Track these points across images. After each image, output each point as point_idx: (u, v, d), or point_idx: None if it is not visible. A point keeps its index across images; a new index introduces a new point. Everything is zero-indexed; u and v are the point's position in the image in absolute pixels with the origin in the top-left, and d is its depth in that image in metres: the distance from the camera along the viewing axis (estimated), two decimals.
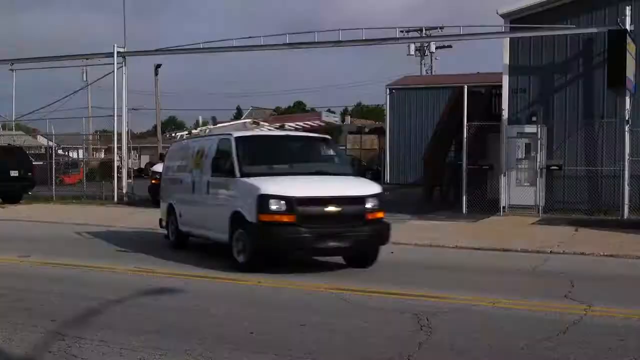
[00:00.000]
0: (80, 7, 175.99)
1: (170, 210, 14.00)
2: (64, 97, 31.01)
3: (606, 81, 18.12)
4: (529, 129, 20.03)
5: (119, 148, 26.11)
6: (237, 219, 10.75)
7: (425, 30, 35.62)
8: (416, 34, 36.75)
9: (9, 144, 27.49)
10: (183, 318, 7.75)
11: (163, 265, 11.60)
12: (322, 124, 14.23)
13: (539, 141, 19.76)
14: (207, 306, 8.34)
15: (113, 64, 25.83)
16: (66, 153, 45.55)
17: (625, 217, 18.11)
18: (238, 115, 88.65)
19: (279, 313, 7.98)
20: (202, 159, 12.60)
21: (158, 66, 37.30)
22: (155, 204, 22.11)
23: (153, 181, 22.53)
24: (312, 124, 13.71)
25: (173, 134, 16.13)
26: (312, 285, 9.64)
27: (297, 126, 12.93)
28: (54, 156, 28.69)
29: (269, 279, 10.10)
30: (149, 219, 19.03)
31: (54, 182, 27.23)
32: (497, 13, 20.60)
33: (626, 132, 18.44)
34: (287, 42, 23.46)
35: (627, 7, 18.39)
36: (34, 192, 26.09)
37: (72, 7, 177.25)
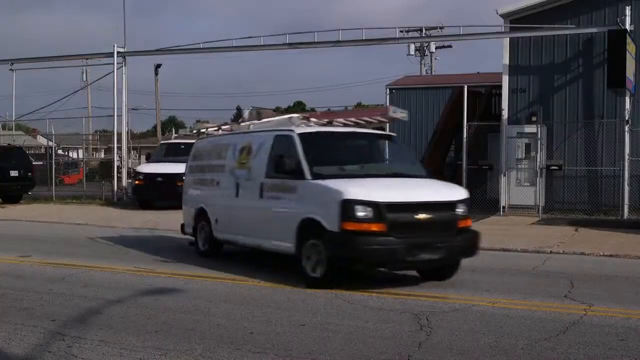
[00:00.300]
0: (80, 7, 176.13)
1: (200, 215, 12.53)
2: (64, 97, 31.18)
3: (606, 81, 18.15)
4: (529, 129, 20.06)
5: (119, 148, 26.11)
6: (309, 227, 9.44)
7: (425, 30, 35.60)
8: (416, 34, 36.74)
9: (8, 144, 27.47)
10: (183, 318, 7.75)
11: (167, 266, 11.60)
12: (384, 120, 12.70)
13: (538, 141, 19.78)
14: (207, 306, 8.34)
15: (113, 64, 25.84)
16: (66, 153, 45.59)
17: (625, 217, 18.12)
18: (238, 115, 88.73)
19: (279, 313, 7.98)
20: (249, 158, 11.21)
21: (158, 66, 37.37)
22: (141, 205, 21.98)
23: (137, 182, 22.17)
24: (373, 119, 12.32)
25: (194, 130, 14.43)
26: (312, 285, 9.62)
27: (347, 122, 11.79)
28: (53, 156, 28.68)
29: (269, 279, 10.10)
30: (151, 219, 19.04)
31: (53, 182, 27.22)
32: (497, 13, 20.63)
33: (626, 132, 18.45)
34: (287, 42, 23.50)
35: (627, 7, 18.43)
36: (33, 192, 26.09)
37: (72, 7, 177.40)
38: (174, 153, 23.16)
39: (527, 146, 20.12)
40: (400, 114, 11.85)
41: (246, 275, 10.45)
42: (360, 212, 8.88)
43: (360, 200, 8.91)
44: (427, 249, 9.12)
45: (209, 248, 12.34)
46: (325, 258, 9.16)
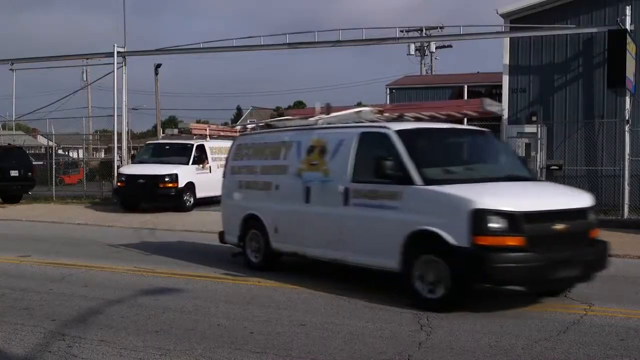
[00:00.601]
0: (80, 7, 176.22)
1: (250, 223, 11.07)
2: (64, 97, 31.17)
3: (606, 81, 18.13)
4: (529, 128, 20.04)
5: (119, 148, 26.08)
6: (422, 240, 8.14)
7: (425, 30, 35.54)
8: (416, 34, 36.70)
9: (9, 144, 27.46)
10: (183, 318, 7.75)
11: (164, 265, 11.60)
12: (475, 113, 11.18)
13: (539, 141, 19.76)
14: (207, 306, 8.35)
15: (113, 63, 25.81)
16: (66, 153, 45.59)
17: (626, 217, 18.10)
18: (238, 115, 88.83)
19: (279, 313, 7.98)
20: (324, 159, 9.76)
21: (158, 66, 37.30)
22: (125, 207, 21.68)
23: (119, 184, 21.64)
24: (469, 113, 10.85)
25: (236, 125, 13.19)
26: (312, 285, 9.64)
27: (420, 116, 10.51)
28: (54, 156, 28.67)
29: (269, 278, 10.10)
30: (149, 219, 19.05)
31: (54, 182, 27.22)
32: (497, 13, 20.63)
33: (626, 132, 18.43)
34: (287, 42, 23.46)
35: (627, 7, 18.42)
36: (34, 192, 26.08)
37: (71, 7, 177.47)
38: (158, 154, 22.81)
39: (527, 146, 20.10)
40: (497, 107, 10.38)
41: (246, 275, 10.45)
42: (495, 224, 7.65)
43: (495, 210, 7.67)
44: (566, 265, 7.91)
45: (262, 260, 10.88)
46: (449, 277, 7.85)
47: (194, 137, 22.54)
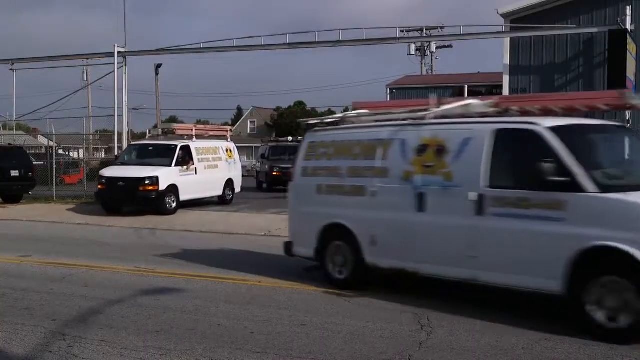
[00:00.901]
0: (81, 7, 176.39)
1: (335, 233, 9.55)
2: (65, 97, 31.11)
3: (606, 81, 18.13)
4: None
5: (120, 148, 26.06)
6: (600, 259, 6.94)
7: (426, 30, 35.49)
8: (416, 34, 36.65)
9: (9, 144, 27.45)
10: (184, 318, 7.75)
11: (165, 265, 11.60)
12: (604, 108, 9.63)
13: None
14: (207, 306, 8.35)
15: (113, 63, 25.83)
16: (67, 153, 45.57)
17: None
18: (238, 115, 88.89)
19: (280, 313, 7.98)
20: (444, 160, 8.34)
21: (159, 66, 37.33)
22: (107, 210, 21.19)
23: (99, 186, 20.86)
24: (608, 105, 9.23)
25: (311, 121, 11.03)
26: (313, 285, 9.64)
27: (532, 109, 8.89)
28: (54, 156, 28.64)
29: (270, 278, 10.10)
30: (149, 219, 19.05)
31: (54, 182, 27.21)
32: (497, 13, 20.65)
33: None
34: (288, 42, 23.50)
35: (628, 7, 18.45)
36: (34, 192, 26.07)
37: (72, 6, 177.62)
38: (141, 155, 21.93)
39: None
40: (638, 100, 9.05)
41: (247, 275, 10.45)
42: None
43: None
44: None
45: (350, 276, 9.40)
46: None
47: (185, 137, 22.23)
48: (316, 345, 6.64)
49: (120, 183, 20.14)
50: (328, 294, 9.04)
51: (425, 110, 8.99)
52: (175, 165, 20.76)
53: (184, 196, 20.82)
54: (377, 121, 9.74)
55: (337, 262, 9.56)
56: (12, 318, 7.71)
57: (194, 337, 6.89)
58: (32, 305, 8.39)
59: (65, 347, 6.56)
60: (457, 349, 6.51)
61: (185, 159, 21.24)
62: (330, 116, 10.55)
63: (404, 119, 9.19)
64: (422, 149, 8.62)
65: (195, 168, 21.53)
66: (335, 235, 9.56)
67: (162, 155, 21.16)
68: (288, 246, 10.47)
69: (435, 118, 8.80)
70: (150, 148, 22.29)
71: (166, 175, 20.27)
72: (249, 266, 11.27)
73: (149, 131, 29.76)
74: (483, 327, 7.25)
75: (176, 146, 21.20)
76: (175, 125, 25.44)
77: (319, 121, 10.80)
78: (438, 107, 8.99)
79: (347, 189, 9.51)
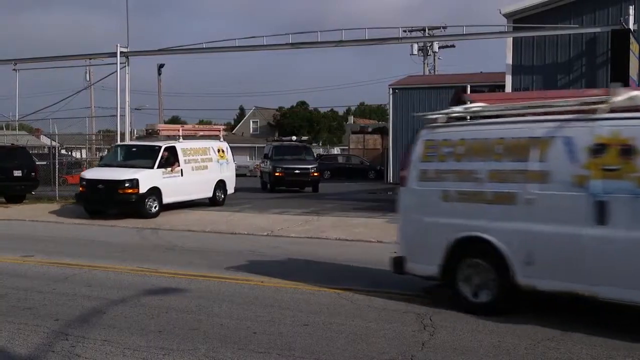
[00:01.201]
0: (83, 7, 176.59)
1: (472, 248, 8.10)
2: (67, 97, 31.15)
3: (609, 81, 18.09)
4: None
5: None
6: None
7: (428, 29, 35.62)
8: (419, 34, 36.79)
9: (12, 144, 27.48)
10: (186, 318, 7.76)
11: (167, 265, 11.61)
12: None
13: None
14: (210, 306, 8.35)
15: (116, 63, 25.86)
16: (69, 153, 45.61)
17: None
18: (241, 115, 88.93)
19: (282, 313, 7.98)
20: (633, 162, 6.92)
21: (161, 66, 37.43)
22: (89, 212, 20.72)
23: (81, 189, 20.17)
24: None
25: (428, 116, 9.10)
26: (315, 285, 9.64)
27: None
28: (57, 156, 28.67)
29: (273, 278, 10.10)
30: (149, 219, 19.06)
31: (57, 182, 27.24)
32: (500, 13, 20.62)
33: None
34: (290, 42, 23.49)
35: (631, 7, 18.40)
36: (37, 192, 26.11)
37: (74, 7, 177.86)
38: (125, 156, 21.26)
39: None
40: None
41: (249, 275, 10.45)
42: None
43: None
44: None
45: (495, 299, 7.88)
46: None
47: (177, 137, 21.77)
48: (319, 345, 6.64)
49: (100, 185, 19.50)
50: (330, 293, 9.03)
51: (599, 102, 7.49)
52: (159, 167, 20.00)
53: (167, 199, 20.07)
54: (524, 115, 8.24)
55: (473, 283, 8.06)
56: (14, 318, 7.72)
57: (197, 337, 6.90)
58: (34, 305, 8.40)
59: (68, 346, 6.57)
60: (460, 349, 6.51)
61: (170, 160, 20.49)
62: (452, 110, 8.90)
63: (568, 112, 7.76)
64: (599, 149, 7.19)
65: (182, 169, 20.78)
66: (470, 250, 8.12)
67: (145, 156, 20.46)
68: (398, 262, 8.89)
69: (612, 111, 7.36)
70: (134, 149, 21.63)
71: (147, 178, 19.52)
72: (252, 266, 11.29)
73: (135, 132, 29.53)
74: (485, 327, 7.25)
75: (160, 147, 20.41)
76: (159, 126, 25.08)
77: (441, 114, 8.92)
78: (619, 97, 7.45)
79: (488, 197, 7.97)
